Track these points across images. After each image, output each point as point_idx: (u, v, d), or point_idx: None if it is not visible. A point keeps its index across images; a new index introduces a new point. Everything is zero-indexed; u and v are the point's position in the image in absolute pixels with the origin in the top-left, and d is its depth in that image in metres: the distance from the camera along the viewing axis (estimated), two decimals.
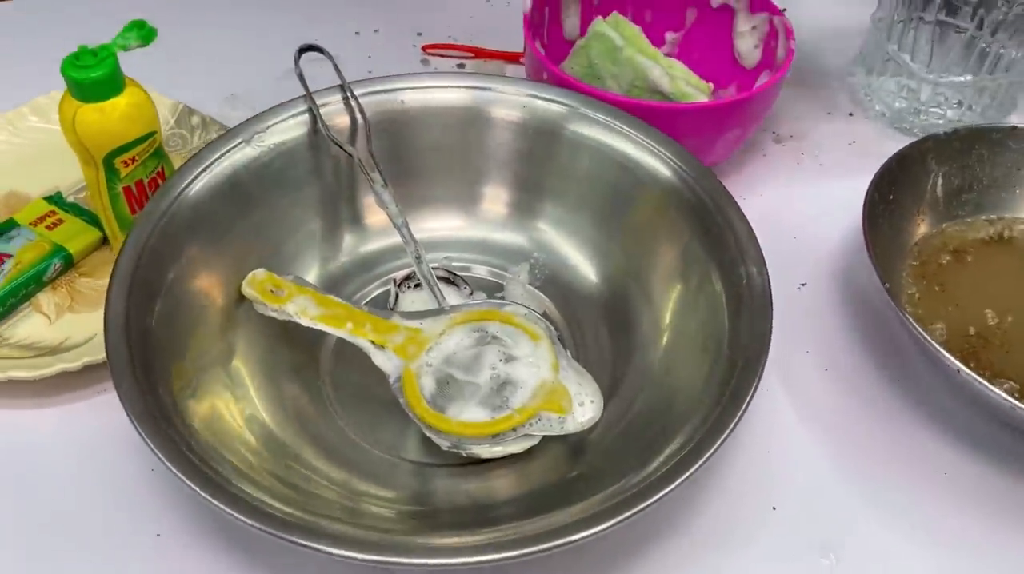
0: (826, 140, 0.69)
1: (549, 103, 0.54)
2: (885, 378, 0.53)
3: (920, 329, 0.47)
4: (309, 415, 0.49)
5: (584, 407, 0.45)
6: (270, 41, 0.74)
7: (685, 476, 0.39)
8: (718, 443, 0.40)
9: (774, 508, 0.47)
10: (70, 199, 0.59)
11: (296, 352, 0.51)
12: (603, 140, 0.53)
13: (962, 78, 0.64)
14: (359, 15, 0.78)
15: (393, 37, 0.76)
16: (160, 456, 0.39)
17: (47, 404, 0.50)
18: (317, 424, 0.48)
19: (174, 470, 0.38)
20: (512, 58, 0.73)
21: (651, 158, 0.52)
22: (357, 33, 0.77)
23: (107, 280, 0.54)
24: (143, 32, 0.47)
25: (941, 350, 0.46)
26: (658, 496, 0.38)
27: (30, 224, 0.55)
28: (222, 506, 0.37)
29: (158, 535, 0.45)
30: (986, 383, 0.45)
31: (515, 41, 0.75)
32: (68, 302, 0.54)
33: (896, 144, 0.67)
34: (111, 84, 0.47)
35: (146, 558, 0.44)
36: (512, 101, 0.55)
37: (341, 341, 0.51)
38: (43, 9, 0.77)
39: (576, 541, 0.37)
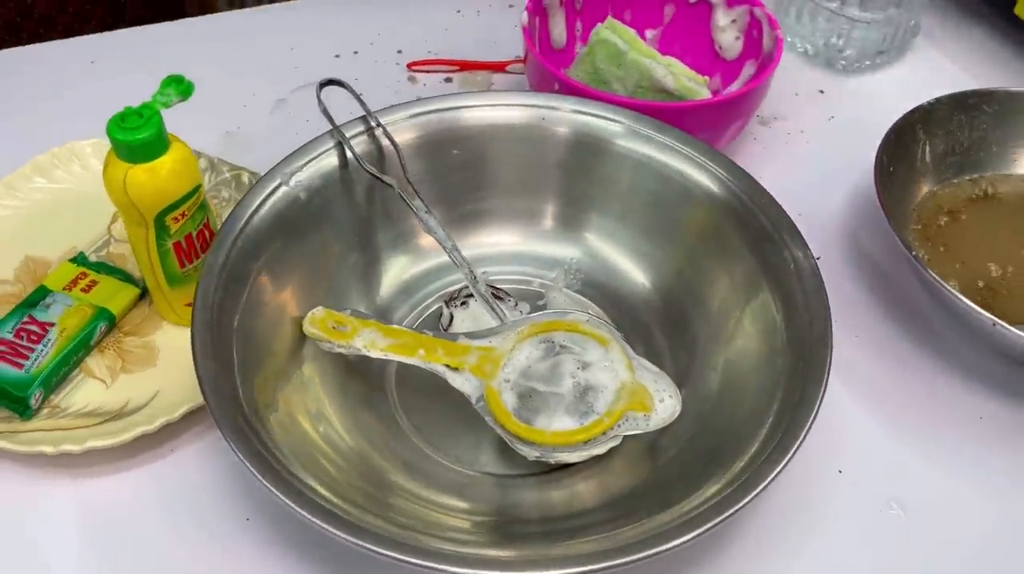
0: (806, 118, 0.73)
1: (586, 118, 0.56)
2: (910, 337, 0.58)
3: (950, 288, 0.51)
4: (388, 440, 0.50)
5: (664, 402, 0.48)
6: (253, 73, 0.74)
7: (773, 475, 0.41)
8: (802, 436, 0.43)
9: (840, 471, 0.51)
10: (93, 258, 0.58)
11: (363, 382, 0.52)
12: (639, 150, 0.56)
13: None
14: (337, 38, 0.78)
15: (375, 57, 0.77)
16: (279, 495, 0.39)
17: (122, 469, 0.49)
18: (398, 447, 0.50)
19: (296, 508, 0.39)
20: (498, 68, 0.75)
21: (685, 163, 0.55)
22: (337, 56, 0.77)
23: (154, 337, 0.55)
24: (182, 87, 0.48)
25: (975, 307, 0.50)
26: (753, 494, 0.41)
27: (64, 289, 0.54)
28: (345, 535, 0.38)
29: None
30: (1022, 334, 0.49)
31: (494, 50, 0.76)
32: (120, 363, 0.53)
33: (869, 116, 0.72)
34: (158, 143, 0.47)
35: None
36: (556, 117, 0.57)
37: (402, 368, 0.52)
38: (24, 60, 0.74)
39: (679, 545, 0.39)
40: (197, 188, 0.49)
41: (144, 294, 0.56)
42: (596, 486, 0.49)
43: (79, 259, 0.57)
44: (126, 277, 0.56)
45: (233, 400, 0.43)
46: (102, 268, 0.56)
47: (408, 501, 0.46)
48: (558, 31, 0.69)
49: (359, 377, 0.52)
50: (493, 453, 0.50)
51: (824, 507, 0.50)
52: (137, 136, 0.46)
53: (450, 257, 0.52)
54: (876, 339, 0.58)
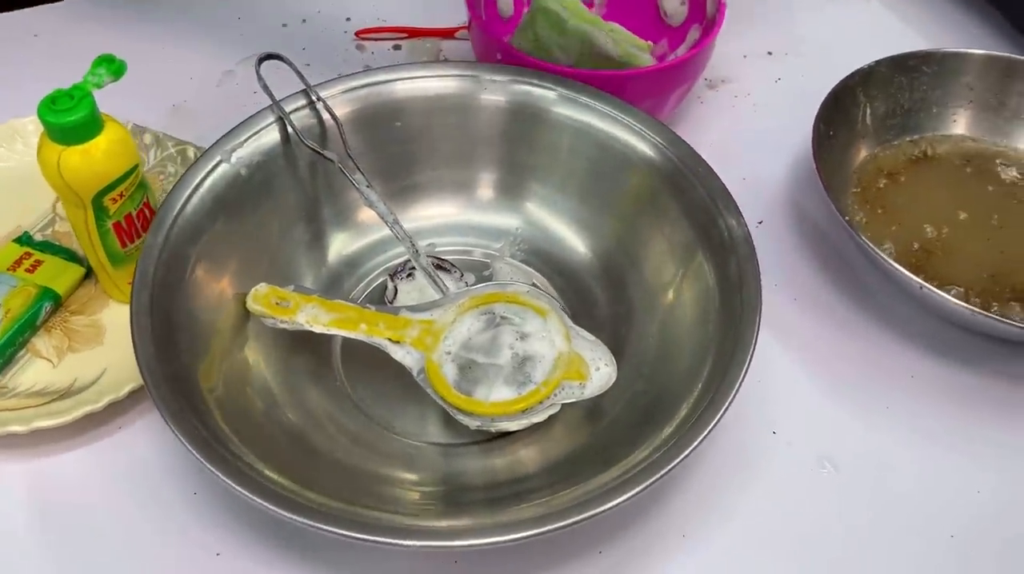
0: (753, 81, 0.73)
1: (524, 87, 0.57)
2: (847, 300, 0.59)
3: (880, 253, 0.52)
4: (333, 413, 0.51)
5: (600, 371, 0.49)
6: (200, 45, 0.73)
7: (709, 429, 0.43)
8: (733, 393, 0.44)
9: (774, 432, 0.53)
10: (38, 237, 0.58)
11: (307, 357, 0.53)
12: (578, 118, 0.56)
13: None
14: (283, 7, 0.77)
15: (322, 26, 0.76)
16: (223, 478, 0.40)
17: (71, 446, 0.50)
18: (342, 420, 0.51)
19: (246, 493, 0.40)
20: (447, 34, 0.74)
21: (624, 130, 0.55)
22: (284, 25, 0.76)
23: (100, 315, 0.55)
24: (113, 67, 0.47)
25: (902, 270, 0.51)
26: (686, 453, 0.42)
27: (8, 270, 0.55)
28: (291, 515, 0.39)
29: (218, 554, 0.47)
30: (946, 295, 0.50)
31: (444, 17, 0.76)
32: (66, 343, 0.54)
33: (816, 76, 0.72)
34: (91, 124, 0.47)
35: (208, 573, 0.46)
36: (495, 87, 0.57)
37: (349, 342, 0.52)
38: None
39: (617, 505, 0.41)
40: (135, 168, 0.50)
41: (90, 273, 0.56)
42: (537, 452, 0.50)
43: (23, 239, 0.57)
44: (71, 256, 0.56)
45: (173, 380, 0.44)
46: (47, 247, 0.57)
47: (353, 476, 0.47)
48: (504, 1, 0.69)
49: (305, 353, 0.53)
50: (439, 424, 0.51)
51: (758, 467, 0.51)
52: (69, 118, 0.46)
53: (391, 230, 0.53)
54: (815, 302, 0.59)
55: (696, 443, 0.43)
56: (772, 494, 0.50)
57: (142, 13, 0.75)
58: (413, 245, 0.53)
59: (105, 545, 0.47)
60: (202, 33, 0.74)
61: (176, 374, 0.45)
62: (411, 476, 0.49)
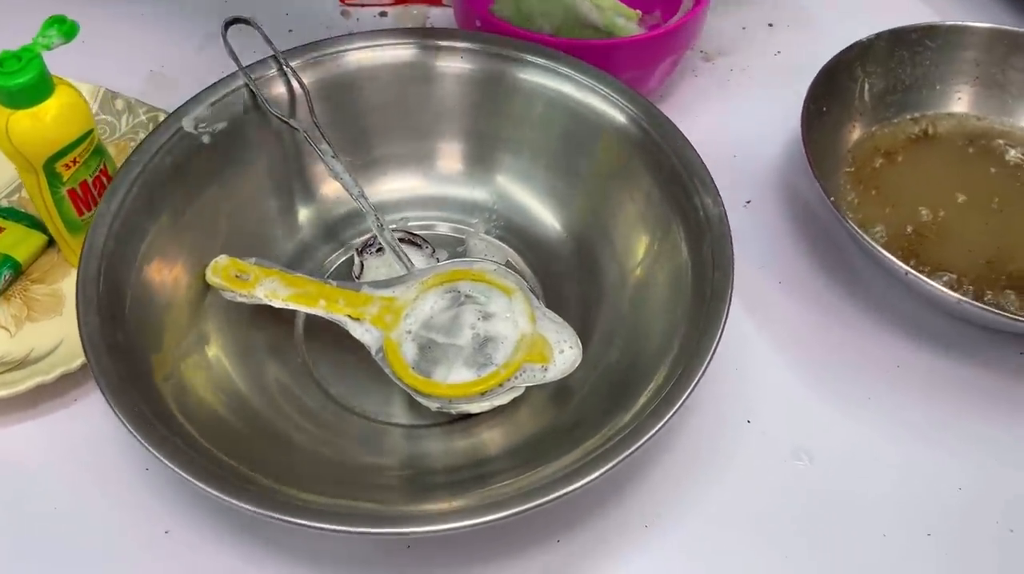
0: (752, 54, 0.70)
1: (493, 55, 0.54)
2: (835, 284, 0.56)
3: (866, 237, 0.50)
4: (293, 392, 0.49)
5: (564, 354, 0.47)
6: (181, 10, 0.71)
7: (673, 411, 0.41)
8: (699, 374, 0.42)
9: (748, 421, 0.51)
10: (3, 203, 0.57)
11: (269, 332, 0.51)
12: (551, 86, 0.54)
13: None
14: None
15: None
16: (164, 460, 0.39)
17: (23, 418, 0.49)
18: (302, 399, 0.49)
19: (182, 473, 0.39)
20: (435, 1, 0.72)
21: (599, 100, 0.53)
22: None
23: (61, 284, 0.54)
24: (64, 27, 0.46)
25: (888, 255, 0.49)
26: (651, 433, 0.40)
27: None
28: (233, 500, 0.38)
29: (166, 532, 0.46)
30: (933, 283, 0.48)
31: None
32: (25, 312, 0.53)
33: (817, 50, 0.69)
34: (41, 87, 0.45)
35: (158, 557, 0.45)
36: (457, 52, 0.55)
37: (311, 317, 0.51)
38: None
39: (579, 487, 0.39)
40: (88, 133, 0.48)
41: (53, 241, 0.55)
42: (500, 435, 0.48)
43: None
44: (34, 223, 0.55)
45: (118, 354, 0.43)
46: (10, 214, 0.55)
47: (310, 457, 0.46)
48: None
49: (268, 328, 0.51)
50: (403, 405, 0.50)
51: (729, 457, 0.49)
52: (16, 80, 0.44)
53: (357, 203, 0.51)
54: (800, 285, 0.56)
55: (655, 429, 0.41)
56: (742, 486, 0.48)
57: None
58: (378, 219, 0.51)
59: (54, 519, 0.46)
60: None
61: (122, 347, 0.43)
62: (371, 459, 0.47)
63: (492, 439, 0.48)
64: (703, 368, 0.42)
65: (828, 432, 0.50)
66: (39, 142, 0.46)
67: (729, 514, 0.47)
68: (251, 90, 0.53)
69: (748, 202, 0.61)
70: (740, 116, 0.66)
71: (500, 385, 0.46)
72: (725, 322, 0.44)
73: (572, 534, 0.46)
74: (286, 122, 0.52)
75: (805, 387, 0.52)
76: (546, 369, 0.47)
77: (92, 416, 0.49)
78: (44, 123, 0.46)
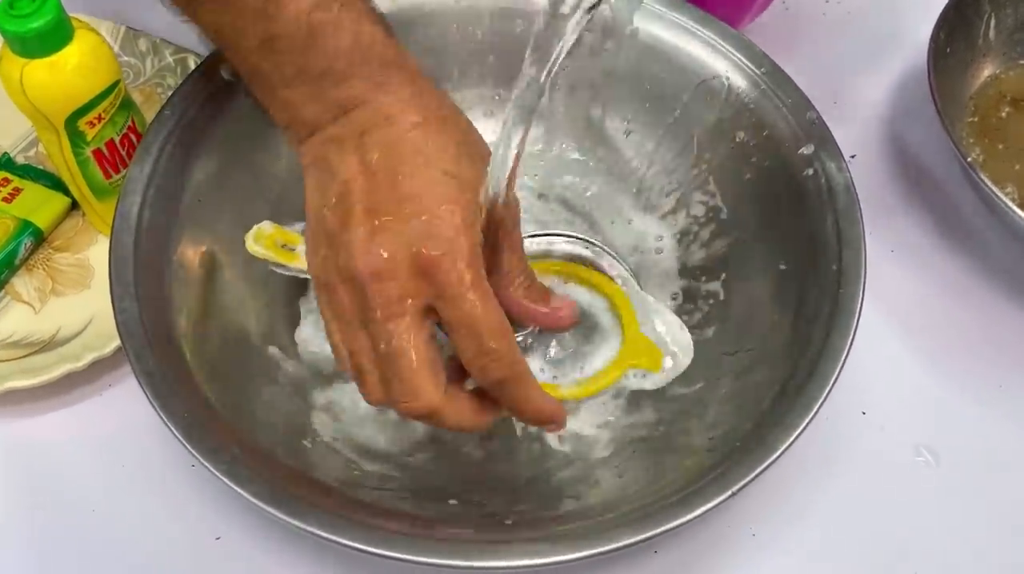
0: None
1: None
2: (956, 254, 0.50)
3: (1004, 198, 0.43)
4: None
5: (673, 359, 0.41)
6: None
7: (807, 420, 0.35)
8: (832, 380, 0.36)
9: (864, 413, 0.45)
10: (20, 160, 0.51)
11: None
12: (650, 32, 0.47)
13: None
14: None
15: None
16: (223, 477, 0.34)
17: (53, 406, 0.44)
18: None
19: (242, 492, 0.33)
20: None
21: (695, 43, 0.46)
22: None
23: (87, 253, 0.49)
24: None
25: None
26: (784, 447, 0.35)
27: None
28: (297, 523, 0.33)
29: (218, 539, 0.41)
30: None
31: None
32: (50, 284, 0.47)
33: None
34: (59, 32, 0.39)
35: (209, 568, 0.40)
36: None
37: None
38: None
39: (704, 513, 0.34)
40: (115, 85, 0.42)
41: (77, 203, 0.49)
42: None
43: (3, 162, 0.50)
44: (55, 183, 0.49)
45: (160, 346, 0.37)
46: (28, 172, 0.49)
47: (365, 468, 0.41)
48: None
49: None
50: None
51: (843, 454, 0.44)
52: (30, 25, 0.38)
53: None
54: (916, 255, 0.50)
55: (788, 443, 0.35)
56: (858, 487, 0.43)
57: None
58: None
59: (90, 522, 0.41)
60: None
61: (164, 337, 0.38)
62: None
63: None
64: (836, 373, 0.36)
65: (953, 426, 0.45)
66: (59, 96, 0.40)
67: (843, 520, 0.42)
68: None
69: (853, 156, 0.54)
70: (839, 55, 0.58)
71: (594, 395, 0.41)
72: (859, 316, 0.38)
73: (672, 545, 0.41)
74: None
75: (926, 373, 0.46)
76: (646, 375, 0.41)
77: (128, 403, 0.44)
78: (64, 74, 0.39)
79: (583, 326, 0.42)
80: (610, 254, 0.46)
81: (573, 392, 0.41)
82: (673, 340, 0.41)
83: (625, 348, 0.41)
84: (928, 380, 0.46)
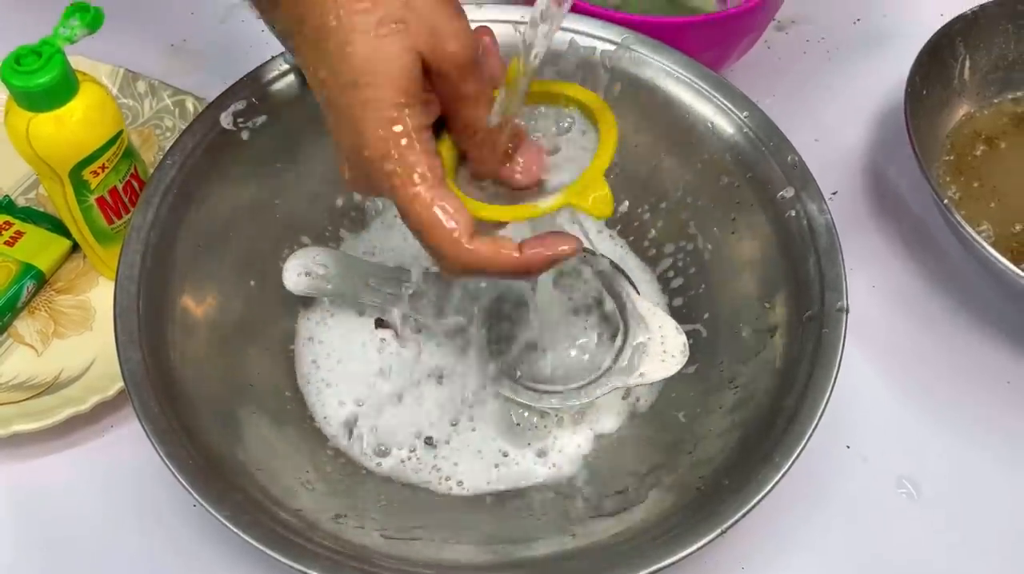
0: (829, 22, 0.64)
1: (579, 35, 0.48)
2: (935, 289, 0.52)
3: (977, 237, 0.45)
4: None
5: (668, 344, 0.42)
6: None
7: (791, 460, 0.37)
8: (815, 420, 0.38)
9: (848, 446, 0.46)
10: (21, 202, 0.52)
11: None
12: (635, 75, 0.48)
13: None
14: None
15: None
16: (231, 526, 0.35)
17: (54, 449, 0.45)
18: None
19: (249, 539, 0.34)
20: None
21: (678, 86, 0.48)
22: None
23: (89, 295, 0.50)
24: (88, 17, 0.40)
25: (999, 258, 0.44)
26: (770, 486, 0.36)
27: None
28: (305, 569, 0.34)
29: None
30: None
31: None
32: (52, 327, 0.48)
33: (900, 17, 0.63)
34: (64, 87, 0.40)
35: None
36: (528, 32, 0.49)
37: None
38: None
39: (691, 553, 0.35)
40: (118, 135, 0.43)
41: (78, 245, 0.50)
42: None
43: (3, 205, 0.51)
44: (56, 225, 0.50)
45: (165, 391, 0.38)
46: (30, 215, 0.50)
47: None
48: None
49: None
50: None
51: (828, 487, 0.45)
52: (37, 80, 0.39)
53: None
54: (896, 289, 0.52)
55: (774, 482, 0.37)
56: (843, 519, 0.44)
57: None
58: None
59: (92, 563, 0.42)
60: None
61: (169, 386, 0.39)
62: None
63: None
64: (821, 411, 0.38)
65: (934, 458, 0.46)
66: (64, 148, 0.41)
67: (829, 552, 0.43)
68: (295, 72, 0.47)
69: (834, 194, 0.55)
70: (819, 94, 0.60)
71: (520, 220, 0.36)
72: (842, 355, 0.39)
73: None
74: None
75: (907, 407, 0.48)
76: (643, 374, 0.41)
77: (129, 446, 0.45)
78: (69, 127, 0.40)
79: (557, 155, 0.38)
80: (607, 260, 0.45)
81: (499, 212, 0.35)
82: (667, 342, 0.42)
83: (577, 183, 0.35)
84: (909, 414, 0.47)
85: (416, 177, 0.32)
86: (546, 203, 0.35)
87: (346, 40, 0.33)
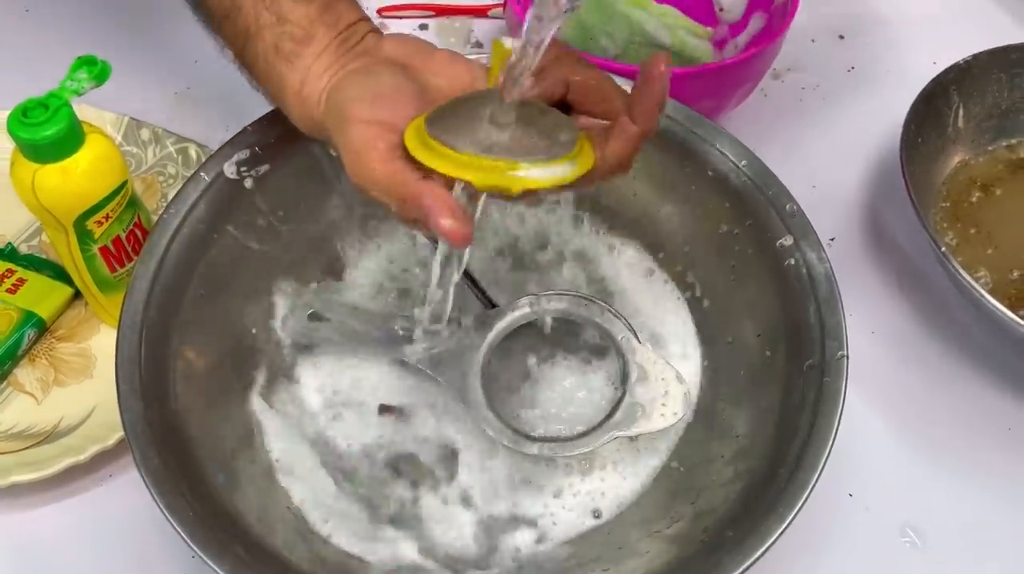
0: (824, 70, 0.65)
1: None
2: (934, 335, 0.52)
3: (975, 285, 0.45)
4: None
5: (669, 396, 0.42)
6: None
7: (800, 504, 0.37)
8: (817, 471, 0.38)
9: (850, 495, 0.46)
10: (23, 249, 0.52)
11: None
12: None
13: None
14: None
15: None
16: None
17: (52, 498, 0.45)
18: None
19: None
20: (480, 12, 0.67)
21: (691, 143, 0.48)
22: None
23: (90, 342, 0.50)
24: (95, 70, 0.41)
25: (998, 306, 0.45)
26: (773, 539, 0.36)
27: None
28: None
29: None
30: None
31: None
32: (52, 375, 0.48)
33: (894, 66, 0.64)
34: (71, 139, 0.40)
35: None
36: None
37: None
38: None
39: None
40: (122, 186, 0.43)
41: (79, 292, 0.50)
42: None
43: (6, 252, 0.51)
44: (58, 272, 0.50)
45: (165, 443, 0.38)
46: (32, 263, 0.51)
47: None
48: None
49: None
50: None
51: (831, 536, 0.45)
52: (44, 133, 0.39)
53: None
54: (896, 335, 0.52)
55: (776, 536, 0.36)
56: (847, 569, 0.44)
57: None
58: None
59: None
60: None
61: (169, 436, 0.39)
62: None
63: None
64: (823, 462, 0.38)
65: (937, 506, 0.46)
66: (69, 199, 0.41)
67: None
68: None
69: (832, 240, 0.56)
70: (816, 141, 0.61)
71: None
72: (843, 405, 0.39)
73: None
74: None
75: (908, 454, 0.48)
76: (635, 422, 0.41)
77: (130, 493, 0.45)
78: (74, 178, 0.41)
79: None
80: (607, 309, 0.45)
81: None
82: (669, 392, 0.42)
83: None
84: (911, 461, 0.47)
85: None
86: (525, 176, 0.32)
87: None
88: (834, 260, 0.55)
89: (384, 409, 0.46)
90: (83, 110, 0.55)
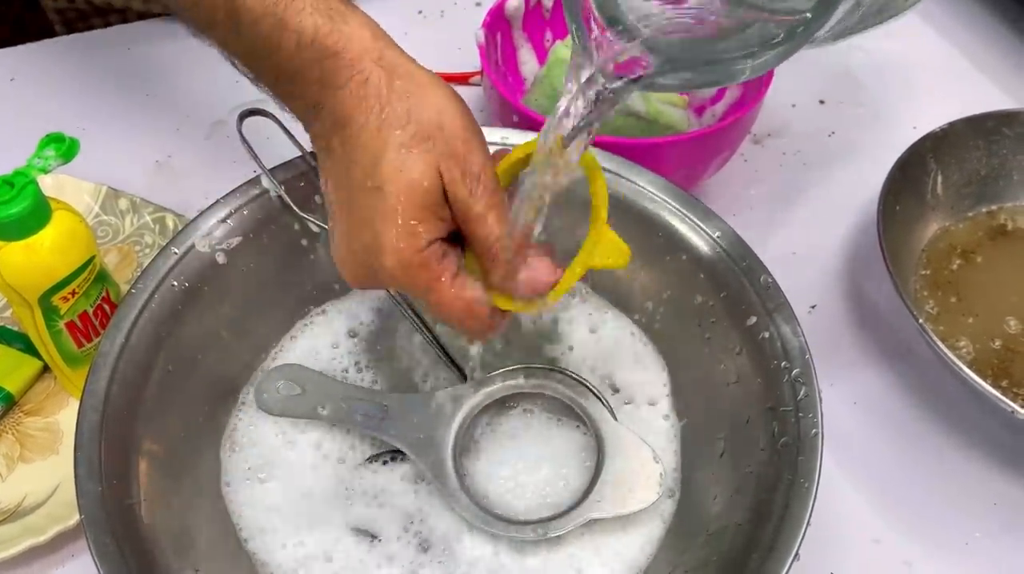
0: (804, 135, 0.65)
1: None
2: (917, 405, 0.51)
3: (953, 358, 0.45)
4: None
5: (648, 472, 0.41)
6: (187, 97, 0.66)
7: None
8: (792, 552, 0.37)
9: (832, 573, 0.45)
10: None
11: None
12: (617, 195, 0.48)
13: None
14: None
15: None
16: None
17: None
18: None
19: None
20: (461, 79, 0.67)
21: (647, 202, 0.48)
22: None
23: (58, 417, 0.49)
24: (63, 147, 0.41)
25: (978, 380, 0.44)
26: None
27: None
28: None
29: None
30: None
31: (459, 57, 0.69)
32: (18, 451, 0.47)
33: (874, 131, 0.64)
34: (36, 216, 0.40)
35: None
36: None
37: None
38: None
39: None
40: (89, 262, 0.43)
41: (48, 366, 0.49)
42: None
43: None
44: (28, 345, 0.49)
45: (122, 525, 0.37)
46: (3, 335, 0.50)
47: None
48: (524, 50, 0.62)
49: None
50: None
51: None
52: (8, 211, 0.39)
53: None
54: (877, 406, 0.51)
55: None
56: None
57: (122, 55, 0.69)
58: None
59: None
60: (190, 77, 0.67)
61: (128, 519, 0.38)
62: None
63: None
64: (798, 544, 0.37)
65: None
66: (33, 276, 0.41)
67: None
68: (272, 193, 0.47)
69: (813, 307, 0.55)
70: (797, 206, 0.61)
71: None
72: (818, 483, 0.38)
73: None
74: (320, 226, 0.47)
75: (891, 529, 0.46)
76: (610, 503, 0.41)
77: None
78: (39, 255, 0.41)
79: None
80: (583, 382, 0.45)
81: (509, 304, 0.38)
82: (643, 471, 0.41)
83: (589, 242, 0.38)
84: (893, 536, 0.46)
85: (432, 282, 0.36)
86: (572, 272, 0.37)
87: (381, 150, 0.36)
88: (815, 328, 0.54)
89: (373, 459, 0.45)
90: (61, 180, 0.55)
